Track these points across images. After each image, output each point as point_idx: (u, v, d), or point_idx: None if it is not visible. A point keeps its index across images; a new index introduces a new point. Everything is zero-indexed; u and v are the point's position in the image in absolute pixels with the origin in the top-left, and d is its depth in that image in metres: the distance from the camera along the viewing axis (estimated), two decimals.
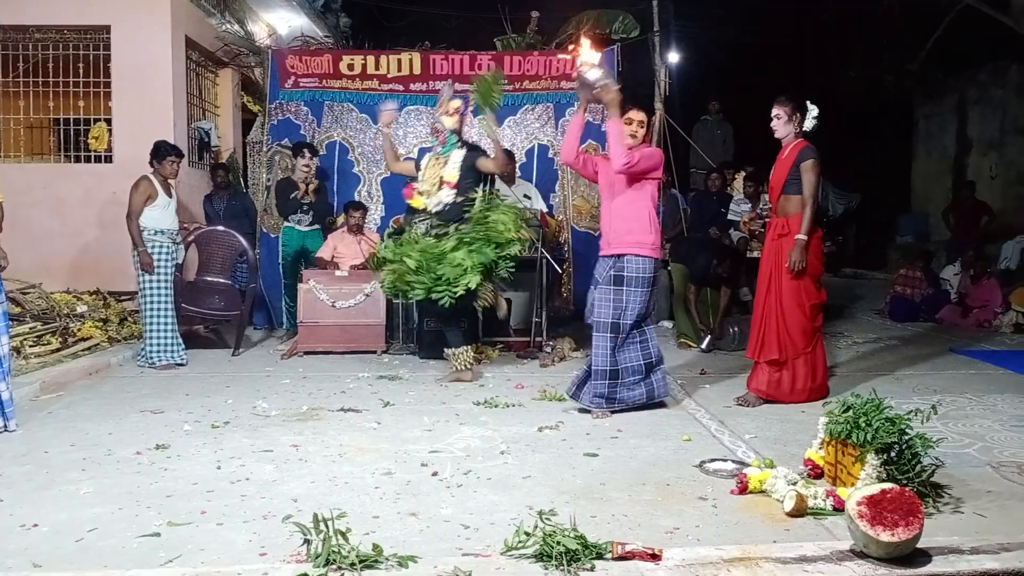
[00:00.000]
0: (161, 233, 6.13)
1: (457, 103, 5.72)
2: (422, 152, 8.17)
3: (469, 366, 5.66)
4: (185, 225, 6.80)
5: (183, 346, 6.22)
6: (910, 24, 12.70)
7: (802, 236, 4.77)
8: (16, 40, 7.64)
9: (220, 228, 7.05)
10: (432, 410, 4.77)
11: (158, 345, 6.07)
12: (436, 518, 3.02)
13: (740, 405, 4.89)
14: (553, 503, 3.13)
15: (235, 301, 6.81)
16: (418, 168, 5.88)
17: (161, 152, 6.16)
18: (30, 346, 5.91)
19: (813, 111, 4.94)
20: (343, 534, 2.62)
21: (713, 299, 7.27)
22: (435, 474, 3.54)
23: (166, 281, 6.12)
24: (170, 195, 6.23)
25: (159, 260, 6.10)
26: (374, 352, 6.64)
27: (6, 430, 4.23)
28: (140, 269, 6.07)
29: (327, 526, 2.62)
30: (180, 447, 3.96)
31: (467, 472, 3.56)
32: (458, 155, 5.68)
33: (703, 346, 6.93)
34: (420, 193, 5.67)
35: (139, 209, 6.03)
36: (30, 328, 6.12)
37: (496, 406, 4.82)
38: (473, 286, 5.32)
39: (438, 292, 5.30)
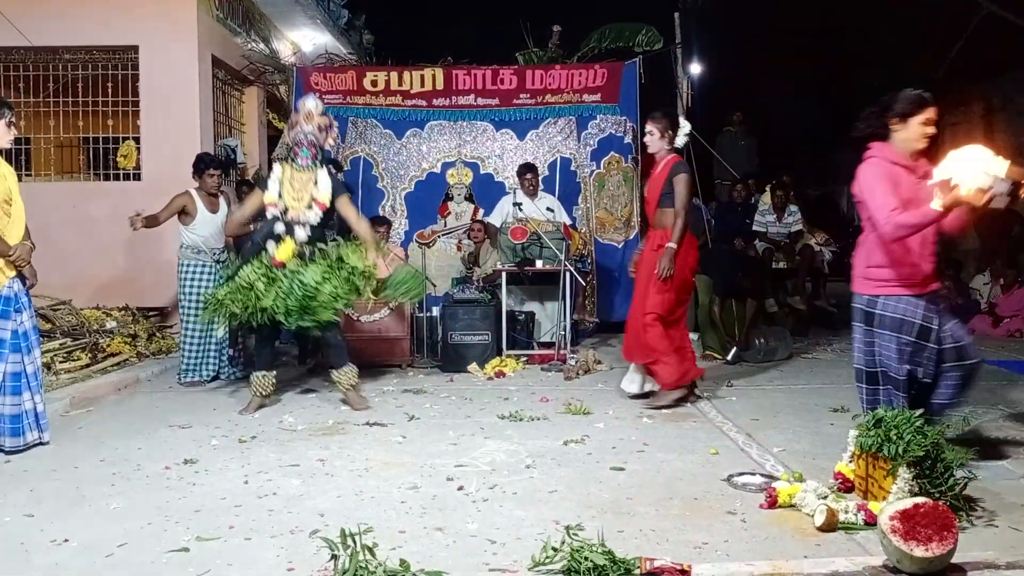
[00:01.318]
0: (201, 252, 6.13)
1: (326, 118, 5.46)
2: (437, 179, 8.21)
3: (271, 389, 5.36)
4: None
5: (221, 362, 6.20)
6: (933, 33, 12.59)
7: (672, 244, 5.00)
8: (46, 61, 7.79)
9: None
10: (457, 424, 4.77)
11: (186, 363, 6.12)
12: (462, 533, 3.02)
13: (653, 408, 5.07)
14: (580, 518, 3.11)
15: None
16: (264, 186, 5.41)
17: (200, 165, 6.14)
18: (60, 362, 5.98)
19: (685, 127, 5.25)
20: (370, 549, 2.62)
21: (738, 311, 7.22)
22: (461, 488, 3.53)
23: (199, 299, 5.99)
24: (215, 211, 6.16)
25: (194, 278, 6.10)
26: (399, 366, 6.66)
27: (41, 442, 4.29)
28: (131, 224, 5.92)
29: (354, 541, 2.62)
30: (208, 462, 3.99)
31: (493, 486, 3.55)
32: (325, 176, 5.34)
33: (729, 357, 6.88)
34: (285, 209, 5.23)
35: (164, 217, 6.04)
36: (60, 344, 6.20)
37: (521, 419, 4.81)
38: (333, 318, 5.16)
39: (304, 320, 5.07)
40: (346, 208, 5.39)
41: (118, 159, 7.89)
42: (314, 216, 5.25)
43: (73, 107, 7.92)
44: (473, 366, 6.46)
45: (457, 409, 5.20)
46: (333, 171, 5.66)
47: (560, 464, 3.90)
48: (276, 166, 5.49)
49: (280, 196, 5.25)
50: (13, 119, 4.40)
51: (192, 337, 6.12)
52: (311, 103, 5.40)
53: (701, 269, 7.48)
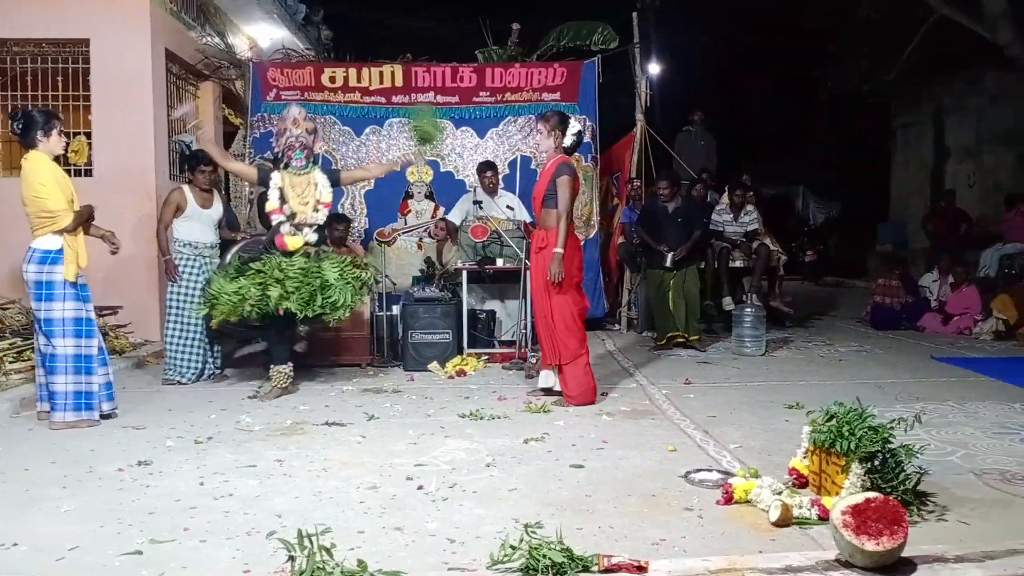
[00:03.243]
0: (189, 245, 6.12)
1: (311, 122, 5.77)
2: (396, 176, 8.20)
3: (290, 381, 5.62)
4: (234, 235, 6.68)
5: (207, 361, 6.18)
6: (887, 33, 12.86)
7: (558, 249, 5.02)
8: None
9: (262, 237, 6.88)
10: (417, 423, 4.76)
11: (170, 361, 6.10)
12: (422, 532, 3.01)
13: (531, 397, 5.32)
14: (539, 515, 3.12)
15: None
16: (263, 184, 5.76)
17: (192, 161, 6.25)
18: (10, 362, 5.82)
19: (574, 127, 5.22)
20: (327, 550, 2.59)
21: (689, 292, 7.44)
22: (420, 488, 3.52)
23: (186, 294, 6.06)
24: (207, 206, 6.19)
25: (185, 273, 6.08)
26: (359, 365, 6.61)
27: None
28: (167, 278, 6.10)
29: (311, 542, 2.59)
30: (163, 463, 3.92)
31: (452, 485, 3.55)
32: (321, 175, 5.69)
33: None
34: (292, 214, 5.57)
35: (167, 219, 6.08)
36: (10, 344, 6.03)
37: (482, 418, 4.81)
38: (342, 315, 5.55)
39: (314, 309, 5.39)
40: (353, 174, 6.11)
41: (69, 155, 7.69)
42: (321, 217, 5.64)
43: (23, 101, 7.69)
44: (434, 365, 6.44)
45: (417, 408, 5.19)
46: (327, 166, 5.85)
47: (520, 462, 3.91)
48: (274, 175, 5.65)
49: (285, 202, 5.52)
50: (64, 129, 4.87)
51: (177, 334, 6.07)
52: (295, 110, 5.69)
53: (650, 264, 7.64)
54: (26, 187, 4.62)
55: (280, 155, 5.68)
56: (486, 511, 3.23)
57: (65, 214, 4.64)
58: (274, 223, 5.59)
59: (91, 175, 7.60)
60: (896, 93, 14.57)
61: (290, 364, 5.61)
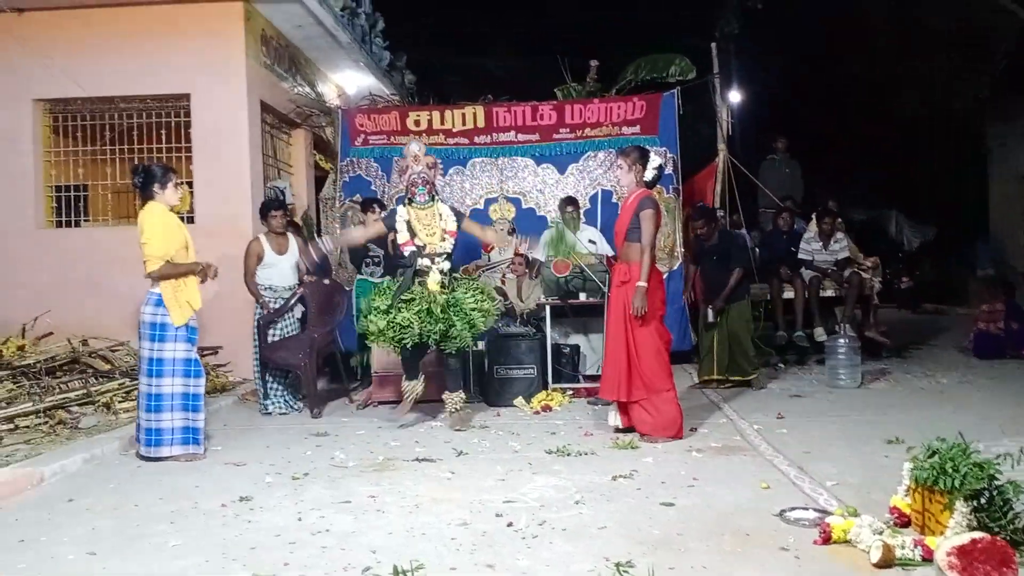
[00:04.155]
0: (269, 289, 6.60)
1: (431, 157, 6.00)
2: (479, 215, 8.37)
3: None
4: (306, 278, 6.95)
5: (284, 395, 6.58)
6: (975, 48, 12.43)
7: (642, 283, 5.02)
8: (103, 110, 8.10)
9: (326, 281, 7.17)
10: (505, 459, 4.79)
11: (263, 396, 6.51)
12: (513, 570, 3.03)
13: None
14: (630, 554, 3.10)
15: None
16: (392, 228, 5.94)
17: (263, 209, 6.75)
18: (119, 402, 6.15)
19: (655, 162, 5.22)
20: None
21: (733, 332, 7.13)
22: (510, 524, 3.55)
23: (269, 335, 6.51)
24: (282, 252, 6.64)
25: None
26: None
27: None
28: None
29: None
30: (262, 499, 4.07)
31: (542, 522, 3.56)
32: (445, 208, 5.95)
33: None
34: (423, 245, 5.79)
35: (251, 269, 6.57)
36: (119, 384, 6.38)
37: (569, 454, 4.81)
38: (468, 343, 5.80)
39: (451, 341, 5.64)
40: (471, 227, 6.08)
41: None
42: (449, 245, 5.84)
43: (128, 154, 8.19)
44: (519, 400, 6.49)
45: (504, 444, 5.23)
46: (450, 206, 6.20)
47: (609, 499, 3.90)
48: (399, 210, 5.96)
49: (413, 234, 5.79)
50: (180, 181, 5.19)
51: (262, 369, 6.52)
52: (415, 146, 5.96)
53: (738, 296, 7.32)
54: (139, 234, 4.97)
55: (404, 191, 6.04)
56: (576, 549, 3.23)
57: (154, 261, 4.91)
58: (406, 254, 5.85)
59: (193, 222, 7.99)
60: (989, 108, 14.01)
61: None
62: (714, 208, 8.29)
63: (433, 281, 5.71)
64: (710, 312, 7.11)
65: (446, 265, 5.83)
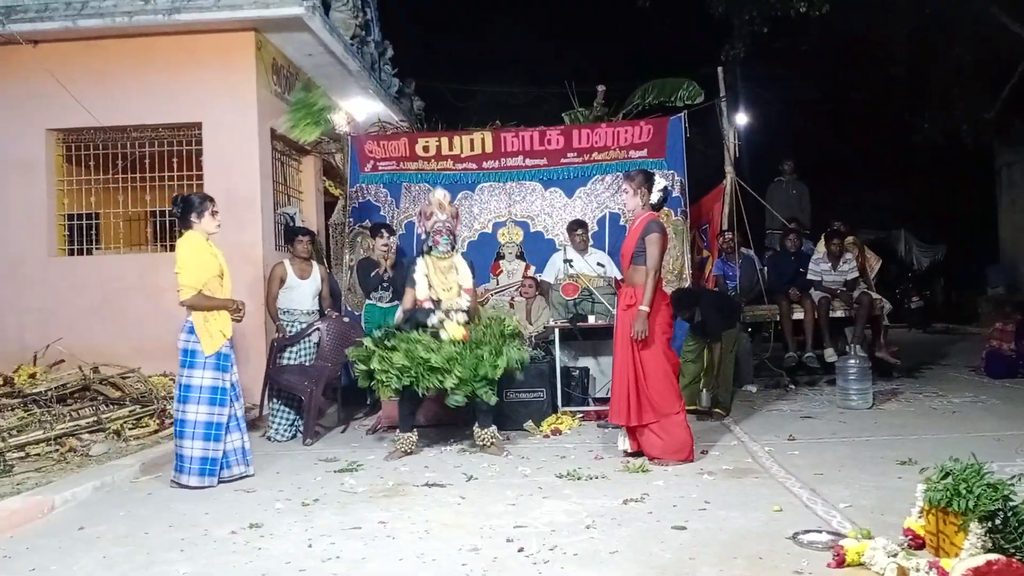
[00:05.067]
0: (287, 312, 6.75)
1: (454, 207, 6.03)
2: (488, 239, 8.41)
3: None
4: (328, 312, 7.06)
5: (287, 420, 6.57)
6: (983, 73, 12.47)
7: (644, 308, 5.00)
8: (115, 139, 8.18)
9: (346, 320, 7.21)
10: (515, 483, 4.78)
11: (272, 422, 6.53)
12: None
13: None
14: None
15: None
16: (412, 284, 5.87)
17: (288, 234, 6.98)
18: (129, 428, 6.17)
19: (660, 184, 5.22)
20: None
21: (712, 362, 6.95)
22: (521, 550, 3.53)
23: (288, 360, 6.60)
24: (305, 276, 6.79)
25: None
26: (455, 424, 6.69)
27: (246, 475, 5.14)
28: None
29: None
30: (273, 525, 4.06)
31: (553, 547, 3.54)
32: (461, 261, 5.96)
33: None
34: (438, 300, 5.78)
35: (274, 292, 6.75)
36: (129, 411, 6.40)
37: (579, 478, 4.80)
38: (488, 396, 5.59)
39: (476, 387, 5.51)
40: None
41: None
42: (464, 302, 5.79)
43: (140, 182, 8.26)
44: (529, 424, 6.48)
45: (514, 468, 5.21)
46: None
47: (620, 524, 3.88)
48: (419, 261, 5.94)
49: (430, 286, 5.78)
50: (216, 209, 5.22)
51: (273, 396, 6.53)
52: (440, 193, 5.97)
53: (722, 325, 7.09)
54: (175, 263, 5.08)
55: (428, 237, 5.96)
56: (587, 574, 3.21)
57: (187, 290, 4.98)
58: (425, 308, 5.78)
59: None
60: (997, 132, 14.04)
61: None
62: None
63: (456, 331, 5.59)
64: None
65: (463, 317, 5.73)
